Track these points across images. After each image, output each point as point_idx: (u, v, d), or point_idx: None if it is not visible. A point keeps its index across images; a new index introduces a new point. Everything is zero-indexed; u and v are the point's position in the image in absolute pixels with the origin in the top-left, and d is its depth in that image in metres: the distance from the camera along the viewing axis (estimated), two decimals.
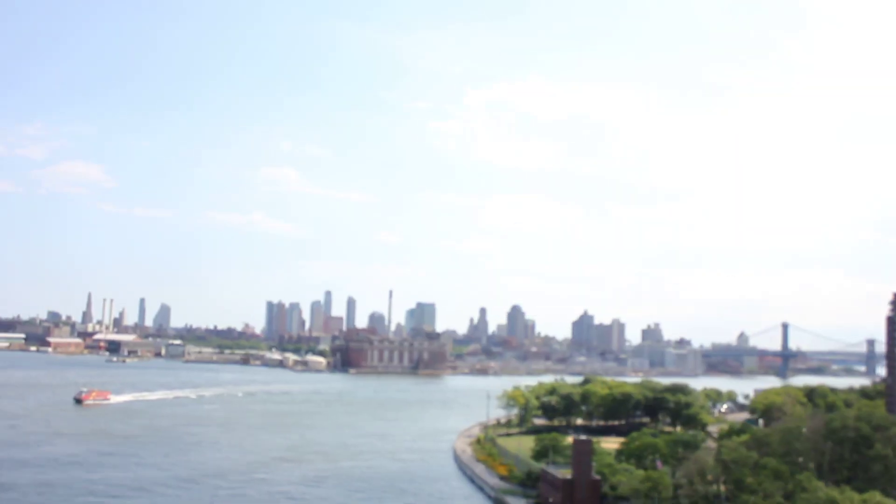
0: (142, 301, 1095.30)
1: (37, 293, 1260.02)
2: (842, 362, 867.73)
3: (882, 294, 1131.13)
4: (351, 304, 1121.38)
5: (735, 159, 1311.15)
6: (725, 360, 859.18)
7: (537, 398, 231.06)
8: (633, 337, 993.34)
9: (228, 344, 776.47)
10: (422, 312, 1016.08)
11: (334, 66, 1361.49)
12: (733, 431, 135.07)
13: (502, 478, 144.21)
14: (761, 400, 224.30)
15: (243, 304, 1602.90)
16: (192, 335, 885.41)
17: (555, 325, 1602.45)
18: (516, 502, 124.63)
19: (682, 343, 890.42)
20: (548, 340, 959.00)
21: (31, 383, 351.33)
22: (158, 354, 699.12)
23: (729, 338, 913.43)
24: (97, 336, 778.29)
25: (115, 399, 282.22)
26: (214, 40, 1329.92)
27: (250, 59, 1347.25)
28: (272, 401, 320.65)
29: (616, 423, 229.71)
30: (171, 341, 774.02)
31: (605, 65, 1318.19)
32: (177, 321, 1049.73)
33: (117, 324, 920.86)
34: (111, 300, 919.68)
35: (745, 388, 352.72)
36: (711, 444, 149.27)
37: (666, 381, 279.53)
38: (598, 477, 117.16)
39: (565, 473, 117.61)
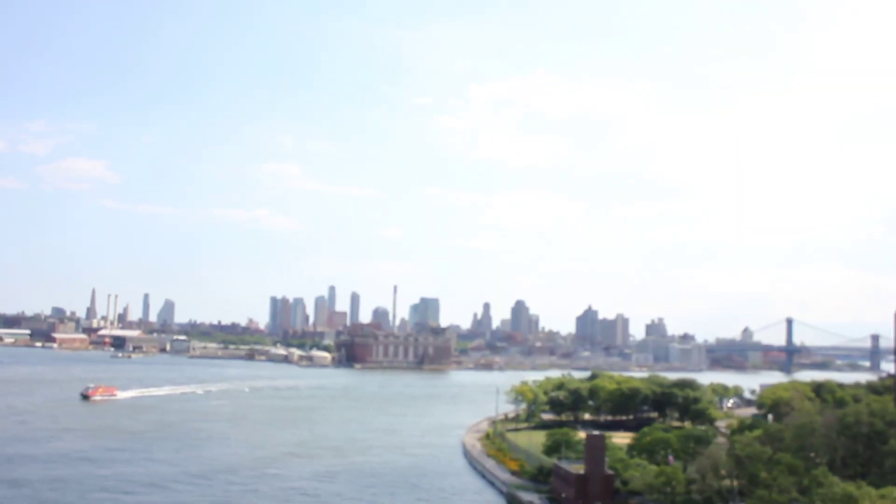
0: (146, 297, 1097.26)
1: (41, 289, 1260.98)
2: (846, 357, 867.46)
3: (886, 289, 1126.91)
4: (355, 299, 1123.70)
5: (739, 155, 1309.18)
6: (730, 355, 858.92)
7: (545, 393, 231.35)
8: (637, 332, 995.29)
9: (233, 339, 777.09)
10: (426, 307, 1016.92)
11: (337, 61, 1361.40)
12: (745, 427, 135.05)
13: (513, 473, 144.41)
14: (769, 395, 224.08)
15: (247, 300, 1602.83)
16: (196, 331, 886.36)
17: (558, 319, 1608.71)
18: (529, 497, 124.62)
19: (685, 338, 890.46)
20: (552, 335, 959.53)
21: (37, 379, 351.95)
22: (163, 350, 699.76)
23: (733, 333, 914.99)
24: (102, 332, 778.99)
25: (121, 395, 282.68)
26: (216, 35, 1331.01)
27: (252, 54, 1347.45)
28: (279, 396, 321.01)
29: (624, 418, 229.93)
30: (175, 337, 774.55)
31: (609, 62, 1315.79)
32: (181, 317, 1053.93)
33: (121, 319, 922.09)
34: (115, 296, 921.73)
35: (750, 383, 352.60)
36: (721, 439, 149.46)
37: (671, 375, 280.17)
38: (611, 472, 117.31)
39: (578, 468, 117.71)
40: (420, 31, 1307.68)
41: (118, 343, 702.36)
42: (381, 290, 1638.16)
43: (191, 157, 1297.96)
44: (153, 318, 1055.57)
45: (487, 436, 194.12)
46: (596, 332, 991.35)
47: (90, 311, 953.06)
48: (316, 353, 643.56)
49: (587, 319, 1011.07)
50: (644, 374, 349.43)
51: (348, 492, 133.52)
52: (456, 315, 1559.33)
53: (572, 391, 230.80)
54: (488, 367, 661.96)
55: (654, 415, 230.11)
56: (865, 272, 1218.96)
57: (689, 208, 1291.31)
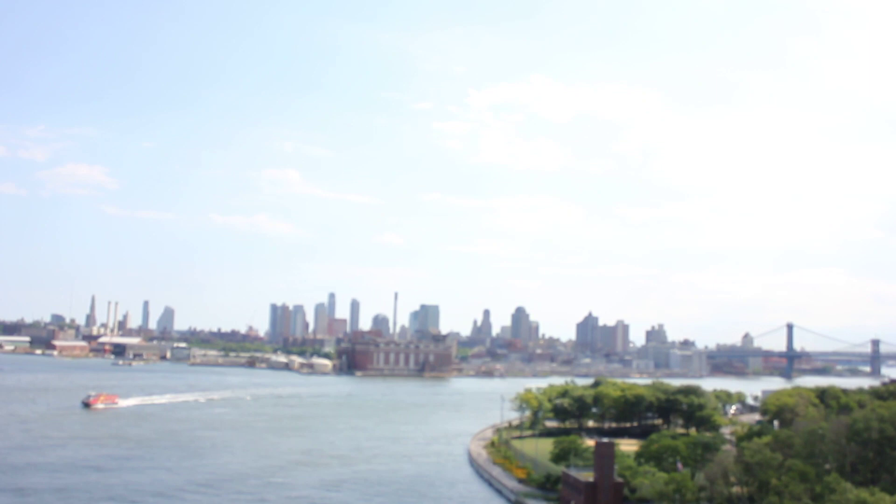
0: (145, 304, 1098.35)
1: (40, 296, 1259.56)
2: (846, 363, 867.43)
3: (886, 294, 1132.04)
4: (355, 306, 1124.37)
5: (740, 161, 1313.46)
6: (730, 361, 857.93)
7: (549, 400, 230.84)
8: (637, 338, 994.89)
9: (233, 347, 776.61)
10: (426, 314, 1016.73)
11: (336, 67, 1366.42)
12: (753, 433, 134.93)
13: (520, 481, 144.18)
14: (773, 401, 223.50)
15: (247, 307, 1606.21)
16: (195, 338, 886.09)
17: (559, 326, 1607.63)
18: None
19: (686, 344, 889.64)
20: (552, 342, 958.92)
21: (39, 387, 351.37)
22: (164, 357, 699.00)
23: (733, 339, 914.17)
24: (102, 339, 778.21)
25: (123, 403, 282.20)
26: (216, 40, 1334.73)
27: (252, 60, 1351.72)
28: (281, 404, 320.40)
29: (628, 424, 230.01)
30: (175, 344, 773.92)
31: (610, 67, 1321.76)
32: (180, 324, 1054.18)
33: (121, 326, 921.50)
34: (116, 303, 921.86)
35: (751, 388, 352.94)
36: (727, 446, 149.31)
37: (673, 382, 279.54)
38: (620, 479, 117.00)
39: (587, 476, 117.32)
40: (419, 36, 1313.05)
41: (118, 350, 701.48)
42: (381, 296, 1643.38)
43: (190, 163, 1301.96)
44: (153, 325, 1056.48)
45: (493, 443, 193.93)
46: (596, 338, 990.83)
47: (90, 319, 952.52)
48: (317, 360, 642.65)
49: (587, 326, 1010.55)
50: (645, 381, 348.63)
51: (356, 501, 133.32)
52: (456, 322, 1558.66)
53: (576, 398, 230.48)
54: (489, 374, 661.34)
55: (659, 421, 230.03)
56: (865, 277, 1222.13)
57: (688, 214, 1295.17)
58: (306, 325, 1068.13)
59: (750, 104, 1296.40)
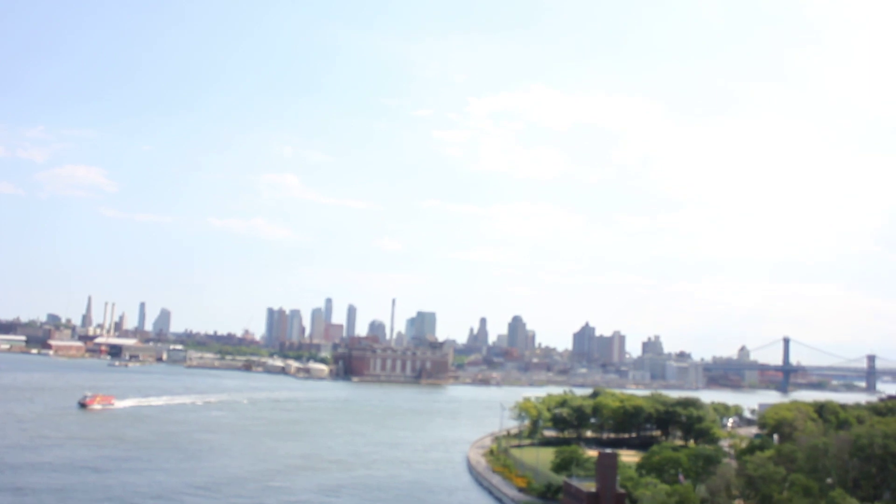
0: (142, 305, 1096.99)
1: (36, 295, 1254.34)
2: (842, 378, 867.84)
3: (883, 310, 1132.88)
4: (351, 311, 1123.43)
5: (738, 172, 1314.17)
6: (726, 373, 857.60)
7: (548, 410, 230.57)
8: (634, 349, 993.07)
9: (230, 350, 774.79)
10: (422, 321, 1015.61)
11: (337, 73, 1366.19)
12: (754, 447, 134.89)
13: (521, 489, 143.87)
14: (771, 415, 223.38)
15: (243, 311, 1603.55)
16: (191, 340, 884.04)
17: (555, 335, 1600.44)
18: None
19: (682, 356, 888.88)
20: (548, 351, 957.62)
21: (35, 386, 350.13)
22: (160, 359, 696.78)
23: (730, 351, 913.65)
24: (98, 340, 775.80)
25: (119, 404, 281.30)
26: (217, 44, 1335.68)
27: (252, 64, 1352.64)
28: (278, 408, 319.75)
29: (626, 435, 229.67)
30: (172, 346, 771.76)
31: (609, 76, 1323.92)
32: (176, 326, 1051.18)
33: (117, 328, 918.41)
34: (112, 304, 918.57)
35: (747, 402, 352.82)
36: (726, 459, 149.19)
37: (669, 393, 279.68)
38: (622, 490, 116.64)
39: (589, 486, 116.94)
40: (419, 43, 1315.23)
41: (115, 351, 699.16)
42: (378, 302, 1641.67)
43: (189, 166, 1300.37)
44: (149, 326, 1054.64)
45: (491, 451, 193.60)
46: (593, 348, 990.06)
47: (86, 319, 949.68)
48: (313, 365, 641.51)
49: (584, 336, 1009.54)
50: (643, 392, 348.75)
51: None
52: (452, 329, 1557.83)
53: (575, 408, 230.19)
54: (485, 382, 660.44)
55: (657, 433, 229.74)
56: (862, 292, 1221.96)
57: (687, 224, 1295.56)
58: (303, 330, 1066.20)
59: (749, 114, 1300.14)
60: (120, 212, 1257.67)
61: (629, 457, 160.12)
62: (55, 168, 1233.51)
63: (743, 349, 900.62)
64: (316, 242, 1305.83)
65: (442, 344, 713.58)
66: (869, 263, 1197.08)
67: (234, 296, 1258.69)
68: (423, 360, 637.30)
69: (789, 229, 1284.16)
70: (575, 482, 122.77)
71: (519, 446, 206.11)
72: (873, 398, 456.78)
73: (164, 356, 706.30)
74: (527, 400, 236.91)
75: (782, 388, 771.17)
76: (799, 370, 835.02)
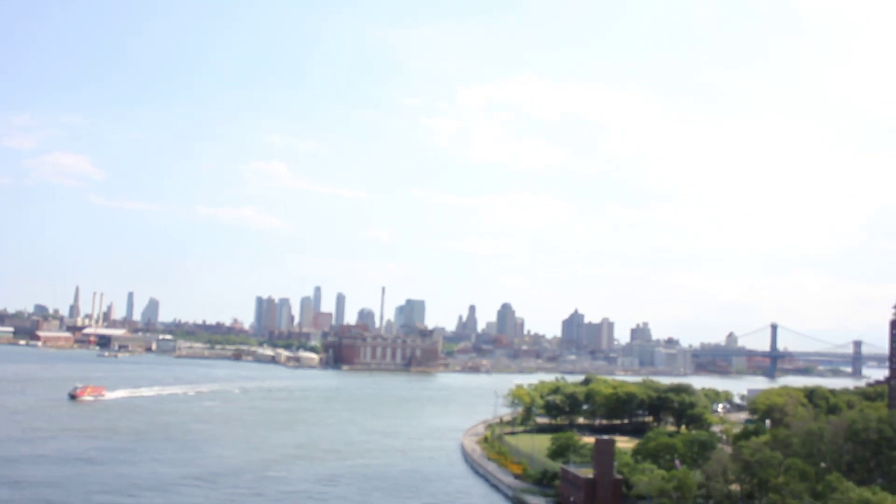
0: (130, 295, 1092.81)
1: (23, 285, 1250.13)
2: (828, 363, 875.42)
3: (868, 296, 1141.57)
4: (340, 300, 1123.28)
5: (727, 162, 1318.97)
6: (714, 359, 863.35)
7: (541, 397, 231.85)
8: (622, 336, 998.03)
9: (219, 339, 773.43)
10: (411, 309, 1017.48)
11: (326, 60, 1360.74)
12: (749, 432, 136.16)
13: (517, 476, 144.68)
14: (762, 400, 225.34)
15: (232, 299, 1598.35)
16: (180, 330, 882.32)
17: (544, 323, 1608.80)
18: (535, 501, 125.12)
19: (670, 342, 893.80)
20: (537, 339, 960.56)
21: (25, 378, 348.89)
22: (149, 349, 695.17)
23: (717, 338, 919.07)
24: (87, 330, 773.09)
25: (110, 395, 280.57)
26: (205, 32, 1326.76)
27: (241, 52, 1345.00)
28: (270, 397, 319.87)
29: (619, 422, 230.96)
30: (161, 336, 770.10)
31: (600, 65, 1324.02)
32: (165, 316, 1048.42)
33: (106, 318, 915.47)
34: (101, 294, 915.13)
35: (735, 387, 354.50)
36: (720, 444, 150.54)
37: (660, 380, 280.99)
38: (619, 476, 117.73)
39: (586, 472, 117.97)
40: (409, 31, 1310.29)
41: (104, 342, 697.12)
42: (367, 290, 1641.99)
43: (177, 154, 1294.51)
44: (137, 316, 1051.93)
45: (485, 439, 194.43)
46: (582, 335, 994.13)
47: (73, 309, 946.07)
48: (303, 353, 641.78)
49: (573, 323, 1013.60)
50: (631, 378, 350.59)
51: (353, 495, 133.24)
52: (441, 317, 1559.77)
53: (568, 395, 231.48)
54: (475, 369, 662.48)
55: (650, 419, 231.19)
56: (848, 279, 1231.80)
57: (676, 214, 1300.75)
58: (291, 319, 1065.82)
59: (739, 105, 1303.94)
60: (108, 200, 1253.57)
61: (622, 443, 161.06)
62: (42, 156, 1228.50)
63: (731, 335, 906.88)
64: (305, 231, 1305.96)
65: (432, 332, 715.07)
66: (855, 251, 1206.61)
67: (223, 285, 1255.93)
68: (412, 347, 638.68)
69: (778, 219, 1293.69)
70: (572, 468, 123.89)
71: (512, 433, 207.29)
72: (860, 383, 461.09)
73: (154, 346, 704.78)
74: (519, 387, 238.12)
75: (769, 373, 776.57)
76: (786, 356, 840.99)
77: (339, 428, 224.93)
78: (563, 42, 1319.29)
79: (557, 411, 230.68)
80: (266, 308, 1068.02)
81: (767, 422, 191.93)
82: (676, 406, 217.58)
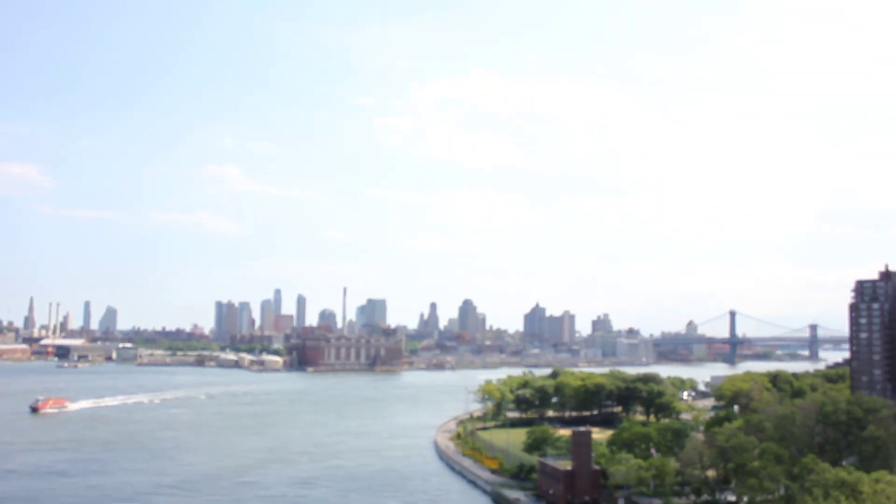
0: (86, 304, 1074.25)
1: None
2: (786, 347, 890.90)
3: (822, 281, 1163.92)
4: (301, 301, 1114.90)
5: (682, 153, 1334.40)
6: (675, 348, 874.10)
7: (511, 391, 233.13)
8: (584, 328, 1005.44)
9: (180, 346, 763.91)
10: (372, 308, 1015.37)
11: (277, 63, 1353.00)
12: (721, 419, 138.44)
13: (493, 471, 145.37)
14: (728, 387, 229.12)
15: (191, 305, 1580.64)
16: (140, 337, 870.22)
17: (505, 318, 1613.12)
18: (514, 495, 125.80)
19: (631, 333, 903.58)
20: (499, 333, 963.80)
21: None
22: (109, 358, 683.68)
23: (678, 327, 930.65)
24: (44, 341, 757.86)
25: (72, 406, 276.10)
26: (155, 38, 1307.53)
27: (191, 57, 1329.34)
28: (236, 402, 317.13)
29: (588, 413, 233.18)
30: (121, 344, 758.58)
31: (550, 58, 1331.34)
32: (123, 324, 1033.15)
33: (62, 328, 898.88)
34: (57, 304, 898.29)
35: (697, 374, 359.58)
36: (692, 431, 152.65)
37: (624, 370, 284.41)
38: (597, 467, 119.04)
39: (564, 465, 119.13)
40: (359, 31, 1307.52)
41: (62, 353, 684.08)
42: (327, 292, 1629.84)
43: (128, 161, 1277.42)
44: (94, 325, 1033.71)
45: (458, 435, 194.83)
46: (544, 328, 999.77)
47: (28, 321, 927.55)
48: (267, 357, 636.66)
49: (535, 316, 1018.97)
50: (593, 370, 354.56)
51: (331, 497, 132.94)
52: (402, 315, 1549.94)
53: (538, 389, 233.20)
54: (440, 366, 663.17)
55: (618, 409, 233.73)
56: (803, 265, 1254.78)
57: (633, 206, 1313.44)
58: (252, 322, 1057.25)
59: (694, 97, 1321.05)
60: (58, 209, 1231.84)
61: (595, 434, 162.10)
62: None
63: (690, 324, 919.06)
64: (261, 234, 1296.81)
65: (395, 330, 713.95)
66: (809, 238, 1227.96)
67: (181, 291, 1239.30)
68: (376, 347, 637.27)
69: (733, 208, 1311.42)
70: (550, 461, 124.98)
71: (484, 429, 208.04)
72: (818, 366, 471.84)
73: (114, 355, 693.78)
74: (489, 383, 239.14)
75: (730, 359, 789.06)
76: (745, 342, 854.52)
77: (309, 430, 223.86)
78: (512, 36, 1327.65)
79: (527, 405, 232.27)
80: (226, 312, 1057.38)
81: (735, 407, 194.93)
82: (645, 395, 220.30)
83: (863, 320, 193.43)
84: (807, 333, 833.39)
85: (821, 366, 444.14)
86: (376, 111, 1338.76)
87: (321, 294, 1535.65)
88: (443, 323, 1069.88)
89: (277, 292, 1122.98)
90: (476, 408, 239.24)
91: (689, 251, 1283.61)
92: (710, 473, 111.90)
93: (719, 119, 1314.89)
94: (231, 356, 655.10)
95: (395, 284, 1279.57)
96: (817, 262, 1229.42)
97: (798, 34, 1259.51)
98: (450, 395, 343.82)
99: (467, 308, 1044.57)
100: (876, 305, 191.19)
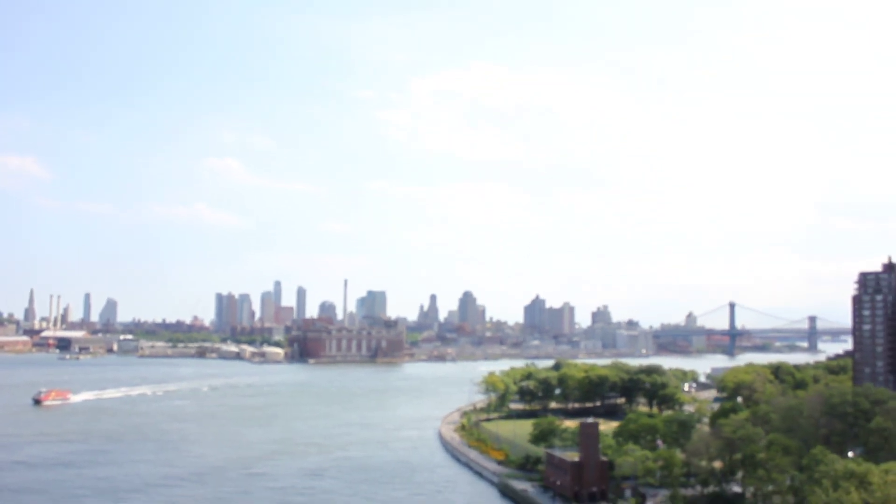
0: (87, 296, 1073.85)
1: None
2: (784, 339, 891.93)
3: (821, 273, 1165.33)
4: (301, 293, 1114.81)
5: (682, 152, 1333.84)
6: (675, 339, 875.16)
7: (515, 383, 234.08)
8: (583, 320, 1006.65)
9: (181, 337, 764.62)
10: (373, 300, 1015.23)
11: (277, 56, 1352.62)
12: (727, 410, 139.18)
13: (500, 463, 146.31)
14: (731, 378, 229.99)
15: (190, 297, 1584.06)
16: (140, 329, 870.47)
17: (505, 309, 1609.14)
18: (521, 486, 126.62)
19: (631, 324, 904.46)
20: (499, 325, 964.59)
21: None
22: (110, 350, 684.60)
23: (677, 318, 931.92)
24: (45, 333, 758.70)
25: (75, 398, 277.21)
26: (156, 31, 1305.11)
27: (192, 50, 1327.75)
28: (240, 394, 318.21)
29: (591, 405, 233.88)
30: (122, 336, 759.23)
31: (551, 52, 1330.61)
32: (123, 316, 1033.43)
33: (63, 320, 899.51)
34: (58, 296, 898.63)
35: (697, 366, 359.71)
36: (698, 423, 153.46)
37: (627, 362, 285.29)
38: (605, 458, 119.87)
39: (572, 456, 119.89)
40: (359, 25, 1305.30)
41: (63, 345, 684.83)
42: (327, 284, 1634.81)
43: (127, 154, 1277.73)
44: (95, 317, 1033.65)
45: (463, 426, 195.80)
46: (544, 320, 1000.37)
47: (28, 313, 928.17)
48: (268, 349, 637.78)
49: (535, 308, 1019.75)
50: (593, 361, 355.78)
51: (341, 488, 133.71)
52: (402, 307, 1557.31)
53: (541, 380, 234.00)
54: (441, 358, 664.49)
55: (622, 401, 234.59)
56: (802, 257, 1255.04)
57: (633, 202, 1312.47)
58: (252, 314, 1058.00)
59: (694, 91, 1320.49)
60: (57, 201, 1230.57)
61: (600, 425, 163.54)
62: None
63: (690, 315, 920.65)
64: (261, 227, 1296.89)
65: (396, 322, 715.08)
66: (809, 229, 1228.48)
67: (181, 283, 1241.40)
68: (378, 339, 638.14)
69: (734, 200, 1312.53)
70: (557, 452, 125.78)
71: (488, 420, 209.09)
72: (817, 357, 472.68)
73: (115, 347, 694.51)
74: (492, 374, 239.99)
75: (729, 351, 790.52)
76: (744, 334, 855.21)
77: (315, 422, 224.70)
78: (512, 29, 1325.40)
79: (531, 397, 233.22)
80: (227, 304, 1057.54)
81: (739, 399, 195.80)
82: (648, 387, 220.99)
83: (866, 312, 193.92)
84: (805, 325, 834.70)
85: (820, 357, 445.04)
86: (376, 104, 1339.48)
87: (321, 286, 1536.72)
88: (443, 315, 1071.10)
89: (277, 284, 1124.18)
90: (479, 399, 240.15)
91: (690, 245, 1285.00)
92: (717, 465, 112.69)
93: (719, 118, 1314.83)
94: (232, 348, 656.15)
95: (395, 276, 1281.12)
96: (816, 255, 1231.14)
97: (798, 34, 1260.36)
98: (452, 386, 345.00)
99: (467, 300, 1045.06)
100: (879, 297, 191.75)
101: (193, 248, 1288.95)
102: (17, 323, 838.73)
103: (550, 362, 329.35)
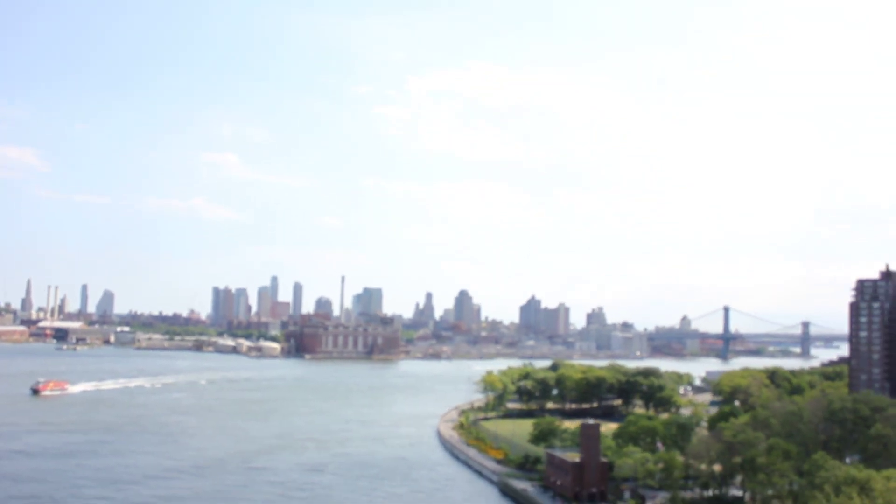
0: (84, 287, 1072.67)
1: None
2: (778, 344, 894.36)
3: (815, 278, 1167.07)
4: (297, 289, 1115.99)
5: (682, 152, 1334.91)
6: (669, 342, 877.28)
7: (513, 383, 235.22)
8: (578, 320, 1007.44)
9: (178, 330, 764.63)
10: (369, 297, 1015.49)
11: (276, 51, 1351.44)
12: (726, 414, 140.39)
13: (499, 462, 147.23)
14: (727, 382, 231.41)
15: (187, 290, 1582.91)
16: (137, 321, 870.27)
17: (500, 309, 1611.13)
18: (521, 485, 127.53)
19: (626, 326, 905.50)
20: (495, 324, 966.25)
21: None
22: (107, 342, 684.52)
23: (672, 321, 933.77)
24: (42, 323, 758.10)
25: (73, 389, 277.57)
26: (156, 25, 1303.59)
27: (191, 44, 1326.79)
28: (237, 388, 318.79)
29: (588, 406, 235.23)
30: (119, 328, 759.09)
31: (549, 52, 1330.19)
32: (120, 308, 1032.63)
33: (60, 311, 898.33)
34: (55, 287, 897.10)
35: (691, 369, 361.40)
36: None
37: (623, 364, 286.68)
38: (605, 459, 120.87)
39: (573, 457, 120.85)
40: (359, 23, 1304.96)
41: (60, 335, 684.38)
42: (324, 279, 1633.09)
43: (125, 146, 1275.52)
44: (91, 309, 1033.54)
45: (461, 425, 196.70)
46: (539, 320, 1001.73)
47: (26, 303, 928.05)
48: (265, 343, 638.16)
49: (530, 308, 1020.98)
50: (590, 362, 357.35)
51: (340, 484, 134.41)
52: (398, 304, 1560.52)
53: (539, 381, 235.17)
54: (436, 356, 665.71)
55: (618, 402, 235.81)
56: (796, 262, 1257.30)
57: (630, 203, 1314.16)
58: (249, 308, 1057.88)
59: (693, 93, 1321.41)
60: (55, 192, 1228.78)
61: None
62: None
63: (684, 318, 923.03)
64: (258, 221, 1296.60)
65: (392, 319, 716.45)
66: (804, 235, 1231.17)
67: (178, 276, 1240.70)
68: (374, 336, 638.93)
69: (729, 204, 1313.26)
70: (558, 453, 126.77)
71: (486, 419, 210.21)
72: (811, 363, 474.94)
73: (112, 338, 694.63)
74: (490, 373, 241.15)
75: (722, 355, 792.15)
76: (737, 338, 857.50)
77: (314, 417, 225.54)
78: (510, 29, 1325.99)
79: (528, 396, 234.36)
80: (223, 298, 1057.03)
81: (736, 403, 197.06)
82: (645, 389, 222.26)
83: (863, 319, 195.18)
84: (799, 331, 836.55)
85: (814, 363, 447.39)
86: (374, 101, 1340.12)
87: (317, 282, 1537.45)
88: (438, 313, 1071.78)
89: (274, 279, 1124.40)
90: (477, 398, 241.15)
91: (686, 247, 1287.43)
92: (717, 468, 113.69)
93: (719, 118, 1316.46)
94: (229, 342, 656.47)
95: (392, 274, 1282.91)
96: (810, 260, 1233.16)
97: (798, 34, 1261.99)
98: (448, 384, 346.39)
99: (463, 299, 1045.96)
100: (876, 304, 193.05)
101: (191, 241, 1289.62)
102: (15, 313, 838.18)
103: (546, 362, 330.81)
